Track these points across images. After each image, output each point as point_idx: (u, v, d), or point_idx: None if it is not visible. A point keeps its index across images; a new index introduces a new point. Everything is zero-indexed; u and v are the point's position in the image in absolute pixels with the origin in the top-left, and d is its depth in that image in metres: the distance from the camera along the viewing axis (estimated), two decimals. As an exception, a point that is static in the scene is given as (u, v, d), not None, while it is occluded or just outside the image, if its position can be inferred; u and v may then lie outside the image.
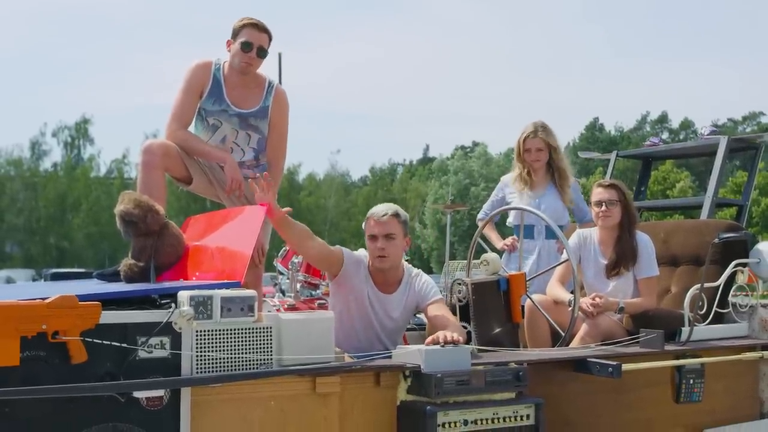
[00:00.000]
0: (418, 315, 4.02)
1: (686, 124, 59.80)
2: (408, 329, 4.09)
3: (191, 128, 4.06)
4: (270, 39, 4.01)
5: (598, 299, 3.95)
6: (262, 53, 3.96)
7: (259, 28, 3.95)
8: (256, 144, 4.07)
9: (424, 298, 3.73)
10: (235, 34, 3.96)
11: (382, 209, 3.71)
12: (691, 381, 3.78)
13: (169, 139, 3.89)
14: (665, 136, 55.92)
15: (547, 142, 4.88)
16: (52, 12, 79.16)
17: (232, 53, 3.97)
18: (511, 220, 5.02)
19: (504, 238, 4.97)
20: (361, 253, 3.86)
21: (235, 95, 3.99)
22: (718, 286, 4.18)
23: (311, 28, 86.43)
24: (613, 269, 4.15)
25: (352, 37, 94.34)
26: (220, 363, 2.66)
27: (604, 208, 4.14)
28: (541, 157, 4.89)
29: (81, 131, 45.48)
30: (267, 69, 4.19)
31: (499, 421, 2.99)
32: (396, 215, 3.69)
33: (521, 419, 3.04)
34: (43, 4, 76.15)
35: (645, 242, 4.16)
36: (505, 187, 5.06)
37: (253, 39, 3.92)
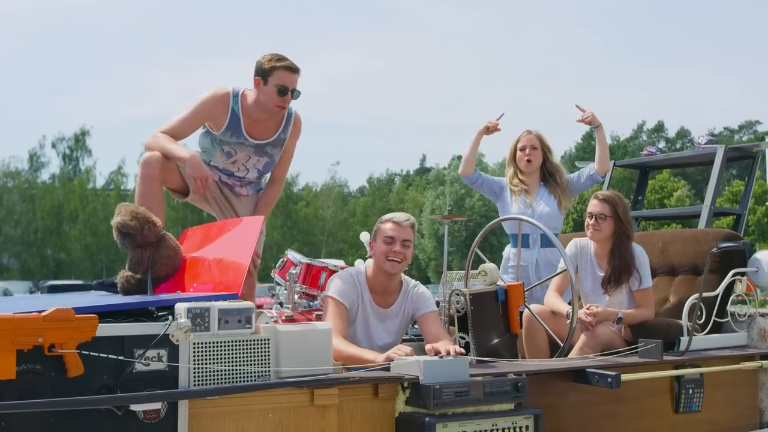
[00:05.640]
0: (415, 326, 4.02)
1: (682, 133, 60.01)
2: (406, 340, 4.08)
3: (207, 148, 4.03)
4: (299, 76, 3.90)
5: (594, 308, 3.94)
6: (296, 95, 3.88)
7: (293, 69, 3.83)
8: (262, 167, 4.08)
9: (419, 308, 3.79)
10: (266, 73, 3.81)
11: (403, 216, 3.81)
12: (691, 391, 3.77)
13: (147, 140, 3.81)
14: (661, 145, 56.12)
15: (541, 140, 4.89)
16: (45, 24, 79.47)
17: (262, 93, 3.83)
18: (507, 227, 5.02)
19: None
20: (352, 270, 3.86)
21: (253, 128, 3.94)
22: (717, 295, 4.18)
23: (308, 38, 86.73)
24: (609, 282, 4.14)
25: (350, 47, 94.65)
26: (217, 375, 2.64)
27: (593, 221, 4.14)
28: (534, 156, 4.88)
29: (80, 143, 45.43)
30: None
31: (498, 432, 2.98)
32: (413, 225, 3.82)
33: (520, 430, 3.03)
34: (37, 17, 76.36)
35: (639, 253, 4.16)
36: (506, 185, 5.02)
37: (288, 83, 3.82)
